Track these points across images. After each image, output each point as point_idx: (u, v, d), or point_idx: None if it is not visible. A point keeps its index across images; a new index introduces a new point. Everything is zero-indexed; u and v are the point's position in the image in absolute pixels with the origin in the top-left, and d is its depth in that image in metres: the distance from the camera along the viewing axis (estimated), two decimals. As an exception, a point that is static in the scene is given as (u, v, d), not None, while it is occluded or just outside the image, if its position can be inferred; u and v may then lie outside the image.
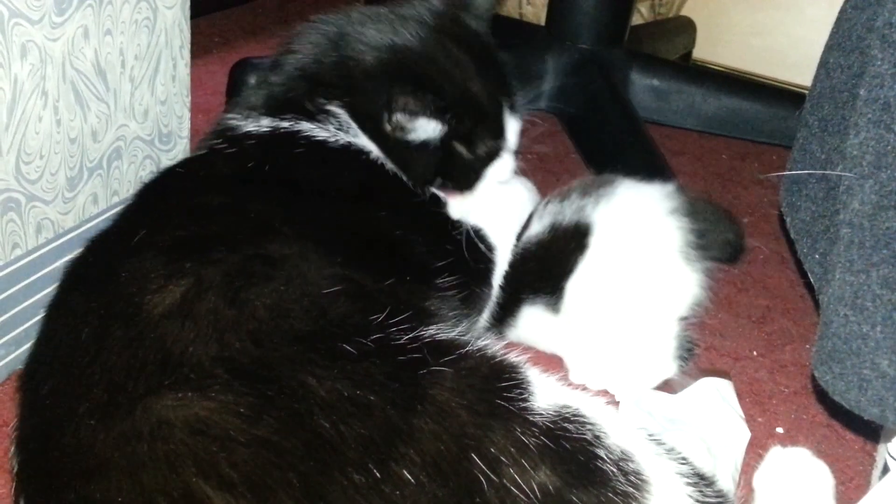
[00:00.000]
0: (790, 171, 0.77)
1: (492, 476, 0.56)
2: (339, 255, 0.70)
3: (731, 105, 1.42)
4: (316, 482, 0.54)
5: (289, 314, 0.63)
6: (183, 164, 0.87)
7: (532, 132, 0.96)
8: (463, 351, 0.63)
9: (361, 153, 0.83)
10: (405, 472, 0.55)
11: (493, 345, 0.65)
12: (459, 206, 0.88)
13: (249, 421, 0.56)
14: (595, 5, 1.39)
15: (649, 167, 1.15)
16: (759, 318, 1.06)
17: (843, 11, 0.71)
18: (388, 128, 0.83)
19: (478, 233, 0.88)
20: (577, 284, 0.87)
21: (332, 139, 0.82)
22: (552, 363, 0.91)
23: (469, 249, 0.86)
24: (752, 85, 1.55)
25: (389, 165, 0.85)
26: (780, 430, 0.89)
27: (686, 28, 1.75)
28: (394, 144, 0.84)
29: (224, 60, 1.51)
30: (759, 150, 1.45)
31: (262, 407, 0.56)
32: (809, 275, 0.72)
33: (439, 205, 0.88)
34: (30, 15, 0.75)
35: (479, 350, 0.64)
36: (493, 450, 0.57)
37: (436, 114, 0.81)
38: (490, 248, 0.89)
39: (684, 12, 1.79)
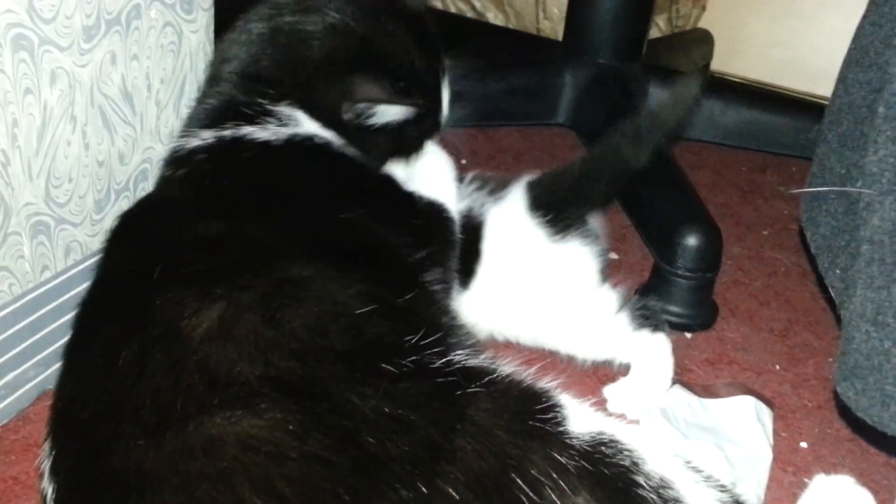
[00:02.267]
0: (810, 185, 0.77)
1: (533, 496, 0.56)
2: (353, 271, 0.71)
3: (750, 117, 1.42)
4: (365, 496, 0.55)
5: (327, 333, 0.64)
6: (143, 203, 0.84)
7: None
8: (493, 377, 0.63)
9: (306, 141, 0.82)
10: (450, 489, 0.56)
11: (520, 372, 0.66)
12: (405, 175, 0.90)
13: (299, 437, 0.56)
14: (613, 20, 1.39)
15: (668, 181, 1.15)
16: (782, 331, 1.06)
17: (860, 28, 0.71)
18: (348, 116, 0.82)
19: (439, 206, 0.89)
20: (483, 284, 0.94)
21: (273, 138, 0.81)
22: (583, 389, 0.92)
23: (434, 222, 0.87)
24: (770, 97, 1.55)
25: (338, 146, 0.84)
26: (804, 444, 0.89)
27: (704, 40, 1.75)
28: (354, 131, 0.83)
29: (245, 80, 1.53)
30: (779, 161, 1.44)
31: (310, 423, 0.57)
32: (830, 290, 0.72)
33: (396, 181, 0.88)
34: (59, 42, 0.77)
35: (508, 376, 0.64)
36: (533, 471, 0.57)
37: (398, 97, 0.82)
38: (451, 220, 0.90)
39: (702, 24, 1.79)
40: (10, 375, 0.83)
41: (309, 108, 0.83)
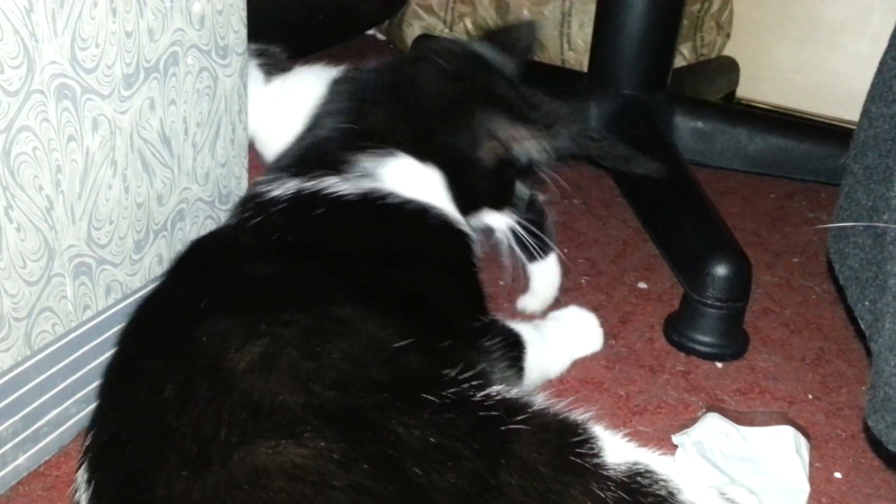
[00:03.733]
0: (837, 217, 0.77)
1: None
2: (397, 318, 0.72)
3: (777, 144, 1.43)
4: None
5: (367, 364, 0.65)
6: (212, 237, 0.87)
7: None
8: (532, 410, 0.64)
9: (378, 199, 0.84)
10: None
11: (555, 404, 0.67)
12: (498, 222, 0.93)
13: (344, 467, 0.57)
14: (637, 50, 1.40)
15: (695, 209, 1.16)
16: (814, 360, 1.05)
17: (883, 62, 0.72)
18: (488, 156, 0.85)
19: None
20: None
21: (353, 190, 0.83)
22: (615, 421, 0.92)
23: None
24: (796, 123, 1.55)
25: (410, 205, 0.85)
26: (838, 474, 0.88)
27: (729, 68, 1.76)
28: (483, 171, 0.87)
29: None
30: (807, 188, 1.44)
31: (355, 453, 0.58)
32: (860, 321, 0.72)
33: (467, 243, 0.89)
34: (100, 90, 0.80)
35: (545, 409, 0.65)
36: None
37: (541, 134, 0.84)
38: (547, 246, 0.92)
39: (726, 51, 1.80)
40: (53, 413, 0.85)
41: (424, 154, 0.85)
